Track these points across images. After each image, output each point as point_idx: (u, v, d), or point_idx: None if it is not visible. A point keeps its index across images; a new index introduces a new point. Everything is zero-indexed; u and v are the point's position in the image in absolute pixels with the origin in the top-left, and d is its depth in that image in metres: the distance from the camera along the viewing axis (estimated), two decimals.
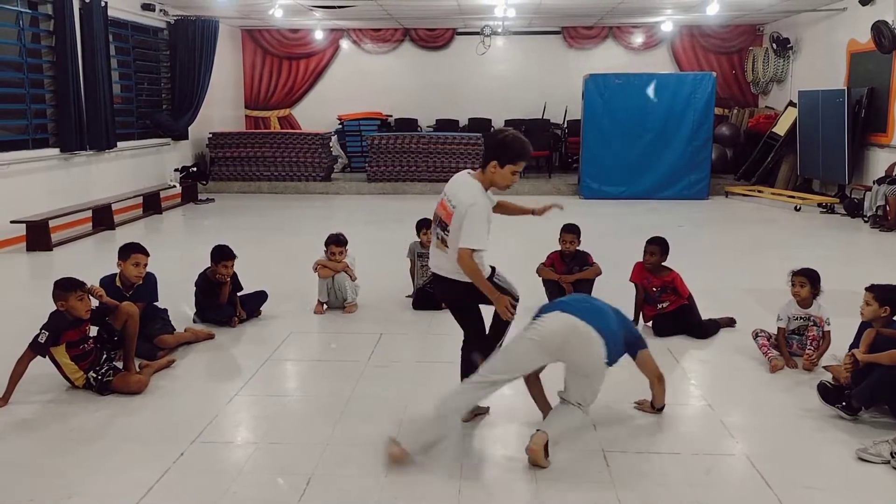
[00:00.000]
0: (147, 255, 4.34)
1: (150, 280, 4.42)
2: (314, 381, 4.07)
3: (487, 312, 3.37)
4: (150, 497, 2.78)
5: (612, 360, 3.14)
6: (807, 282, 4.16)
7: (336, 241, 5.24)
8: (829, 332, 4.15)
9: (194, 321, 4.90)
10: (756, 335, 4.30)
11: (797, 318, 4.23)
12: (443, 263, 3.29)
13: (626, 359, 4.37)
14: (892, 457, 3.00)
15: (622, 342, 3.25)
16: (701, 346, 4.54)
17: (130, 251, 4.29)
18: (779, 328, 4.25)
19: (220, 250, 4.88)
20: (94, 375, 3.74)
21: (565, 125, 13.45)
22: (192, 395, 3.80)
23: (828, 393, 3.48)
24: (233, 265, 4.89)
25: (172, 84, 11.53)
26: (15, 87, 8.16)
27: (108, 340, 3.94)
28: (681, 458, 3.10)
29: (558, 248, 5.14)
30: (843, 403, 3.41)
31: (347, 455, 3.11)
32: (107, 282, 4.26)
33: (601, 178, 11.04)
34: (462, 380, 3.29)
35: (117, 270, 4.33)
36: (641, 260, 4.79)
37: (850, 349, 3.66)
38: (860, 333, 3.70)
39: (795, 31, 12.26)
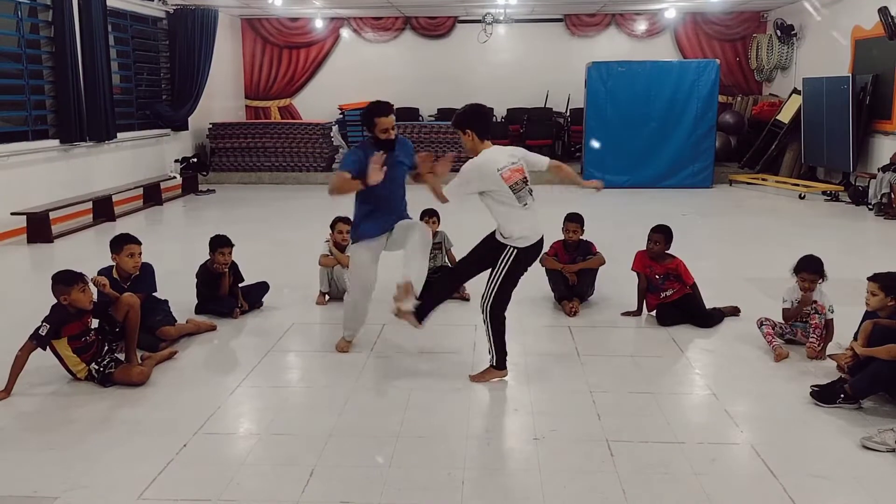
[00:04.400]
0: (139, 243, 4.28)
1: (148, 270, 4.38)
2: (316, 372, 4.06)
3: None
4: (153, 488, 2.77)
5: None
6: (814, 276, 4.14)
7: (348, 221, 5.24)
8: (831, 320, 4.12)
9: (196, 312, 4.88)
10: (761, 323, 4.28)
11: (800, 303, 4.20)
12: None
13: (629, 350, 4.37)
14: None
15: None
16: (705, 336, 4.52)
17: (123, 243, 4.23)
18: (784, 310, 4.22)
19: (217, 239, 4.86)
20: (97, 367, 3.73)
21: (568, 114, 13.38)
22: (195, 386, 3.79)
23: (822, 395, 3.46)
24: (230, 253, 4.86)
25: (172, 74, 11.48)
26: (14, 79, 8.14)
27: (110, 332, 3.93)
28: (685, 447, 3.08)
29: (562, 237, 5.11)
30: (842, 396, 3.39)
31: (350, 446, 3.10)
32: (104, 275, 4.21)
33: (604, 166, 10.98)
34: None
35: (112, 264, 4.28)
36: (643, 249, 4.76)
37: (854, 338, 3.64)
38: (863, 322, 3.67)
39: (800, 17, 12.15)
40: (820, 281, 4.16)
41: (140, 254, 4.28)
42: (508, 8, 12.56)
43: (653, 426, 3.29)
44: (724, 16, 13.36)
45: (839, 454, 3.03)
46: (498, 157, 3.62)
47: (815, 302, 4.14)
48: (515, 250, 3.63)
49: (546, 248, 5.16)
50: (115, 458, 3.01)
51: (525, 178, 3.67)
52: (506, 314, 3.74)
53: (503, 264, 3.64)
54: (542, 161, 3.87)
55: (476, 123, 3.69)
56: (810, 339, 4.09)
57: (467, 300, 5.23)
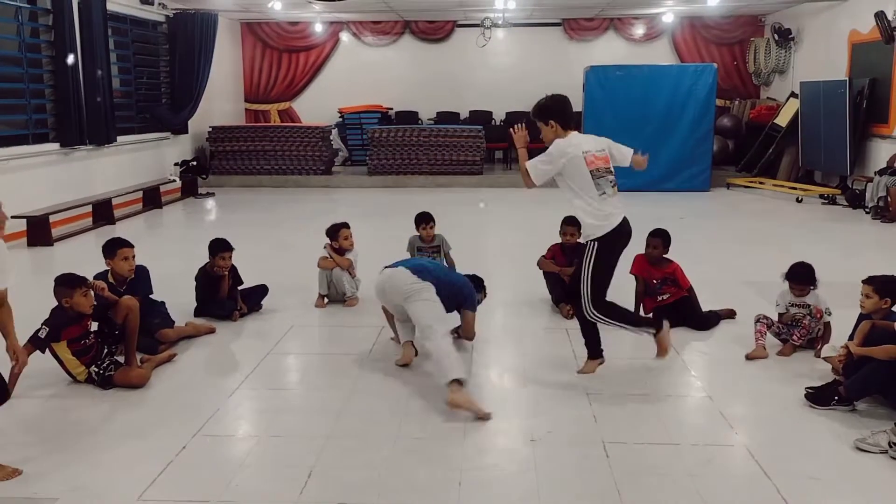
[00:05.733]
0: (132, 247, 4.29)
1: (143, 272, 4.39)
2: (315, 374, 4.08)
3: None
4: (152, 490, 2.79)
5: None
6: (804, 285, 4.18)
7: (345, 225, 5.31)
8: (829, 322, 4.15)
9: (195, 315, 4.90)
10: (757, 320, 4.28)
11: (794, 306, 4.23)
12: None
13: (627, 352, 4.39)
14: (891, 446, 3.00)
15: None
16: (701, 338, 4.55)
17: (116, 247, 4.22)
18: (779, 314, 4.25)
19: (217, 242, 4.88)
20: (96, 370, 3.75)
21: None
22: (194, 388, 3.81)
23: (816, 397, 3.49)
24: (230, 257, 4.89)
25: (172, 78, 11.52)
26: (14, 82, 8.16)
27: (110, 335, 3.95)
28: (680, 448, 3.11)
29: (559, 240, 5.13)
30: (836, 398, 3.42)
31: (348, 448, 3.12)
32: (100, 279, 4.23)
33: None
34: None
35: (107, 268, 4.29)
36: (642, 252, 4.79)
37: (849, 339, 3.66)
38: (859, 325, 3.70)
39: (797, 21, 12.20)
40: (812, 287, 4.19)
41: (134, 257, 4.28)
42: (507, 12, 12.60)
43: (648, 428, 3.31)
44: (722, 20, 13.41)
45: (833, 455, 3.05)
46: (584, 141, 3.68)
47: (812, 307, 4.18)
48: (596, 243, 3.62)
49: (544, 251, 5.23)
50: (114, 459, 3.04)
51: (609, 168, 3.69)
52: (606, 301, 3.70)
53: (587, 260, 3.63)
54: (628, 154, 3.87)
55: (558, 113, 3.68)
56: (794, 336, 4.17)
57: None
